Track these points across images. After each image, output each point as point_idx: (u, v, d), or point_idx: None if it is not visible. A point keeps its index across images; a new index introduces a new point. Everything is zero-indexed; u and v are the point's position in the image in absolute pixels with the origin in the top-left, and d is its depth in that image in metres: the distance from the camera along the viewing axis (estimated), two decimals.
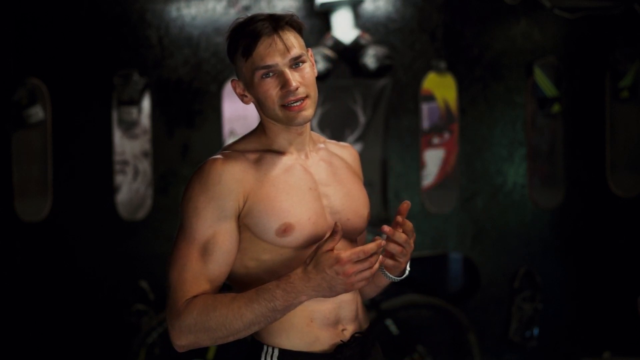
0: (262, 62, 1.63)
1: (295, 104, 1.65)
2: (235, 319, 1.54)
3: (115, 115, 4.23)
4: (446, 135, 4.36)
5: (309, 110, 1.67)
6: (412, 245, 1.66)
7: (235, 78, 1.73)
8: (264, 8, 4.21)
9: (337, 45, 4.17)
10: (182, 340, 1.58)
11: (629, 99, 4.37)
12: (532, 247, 4.42)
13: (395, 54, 4.30)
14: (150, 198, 4.24)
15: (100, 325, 4.21)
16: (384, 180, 4.29)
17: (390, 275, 1.75)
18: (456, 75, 4.34)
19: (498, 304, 4.40)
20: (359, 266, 1.48)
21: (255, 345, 1.70)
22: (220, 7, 4.25)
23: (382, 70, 4.23)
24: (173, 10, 4.25)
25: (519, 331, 4.35)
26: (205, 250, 1.61)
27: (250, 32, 1.63)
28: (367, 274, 1.50)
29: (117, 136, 4.25)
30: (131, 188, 4.25)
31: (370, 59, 4.17)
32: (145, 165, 4.25)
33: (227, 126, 4.25)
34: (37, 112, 4.14)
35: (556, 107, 4.36)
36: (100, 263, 4.23)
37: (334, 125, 4.21)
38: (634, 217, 4.42)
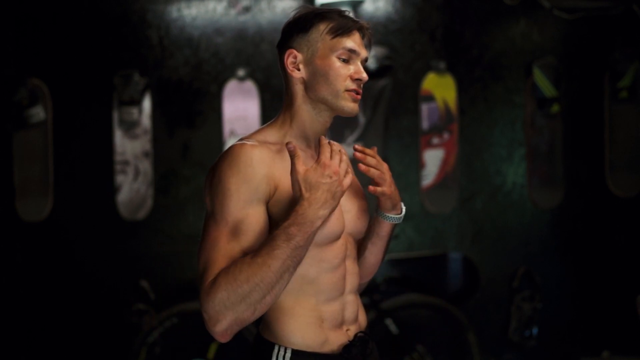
0: (351, 45, 1.74)
1: (357, 93, 1.75)
2: (265, 272, 1.49)
3: (116, 116, 4.25)
4: (446, 136, 4.37)
5: (358, 105, 1.78)
6: (389, 176, 1.81)
7: (292, 48, 1.76)
8: (264, 8, 4.23)
9: None
10: (222, 323, 1.51)
11: (627, 99, 4.38)
12: (531, 247, 4.44)
13: (395, 55, 4.32)
14: (151, 198, 4.26)
15: (101, 325, 4.23)
16: None
17: (388, 215, 1.84)
18: (456, 76, 4.36)
19: (497, 304, 4.41)
20: (336, 159, 1.58)
21: (265, 344, 1.69)
22: (220, 8, 4.27)
23: (382, 70, 4.25)
24: (174, 11, 4.26)
25: (518, 331, 4.36)
26: (239, 232, 1.58)
27: (348, 20, 1.76)
28: (344, 165, 1.59)
29: (118, 136, 4.26)
30: (132, 188, 4.26)
31: (370, 59, 4.18)
32: (145, 165, 4.27)
33: (227, 126, 4.26)
34: (38, 113, 4.16)
35: (555, 108, 4.37)
36: (101, 263, 4.24)
37: (333, 126, 4.20)
38: (633, 217, 4.43)
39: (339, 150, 1.60)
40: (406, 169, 4.37)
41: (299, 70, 1.74)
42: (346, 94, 1.73)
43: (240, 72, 4.23)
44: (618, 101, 4.40)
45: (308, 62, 1.74)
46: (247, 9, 4.24)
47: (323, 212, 1.54)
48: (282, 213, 1.62)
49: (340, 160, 1.59)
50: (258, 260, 1.50)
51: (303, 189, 1.55)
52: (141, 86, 4.20)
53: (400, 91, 4.36)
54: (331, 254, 1.70)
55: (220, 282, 1.50)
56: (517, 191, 4.43)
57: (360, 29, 1.78)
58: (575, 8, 4.30)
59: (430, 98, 4.36)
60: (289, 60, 1.75)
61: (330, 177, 1.55)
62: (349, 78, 1.74)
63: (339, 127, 4.27)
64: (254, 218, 1.59)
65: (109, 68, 4.22)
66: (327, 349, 1.69)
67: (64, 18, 4.22)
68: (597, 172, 4.44)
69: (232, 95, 4.26)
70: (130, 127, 4.25)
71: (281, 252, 1.51)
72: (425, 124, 4.37)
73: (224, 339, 1.53)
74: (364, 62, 1.80)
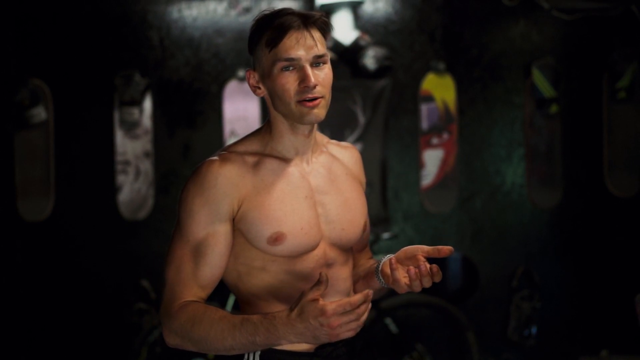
0: (286, 54, 1.61)
1: (309, 101, 1.62)
2: (217, 339, 1.55)
3: (116, 116, 4.26)
4: (445, 136, 4.39)
5: (321, 110, 1.65)
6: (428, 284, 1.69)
7: (251, 69, 1.71)
8: (264, 9, 4.24)
9: (337, 47, 4.19)
10: (171, 340, 1.62)
11: (626, 99, 4.39)
12: (530, 246, 4.45)
13: (394, 55, 4.33)
14: (152, 198, 4.27)
15: (102, 324, 4.24)
16: (384, 180, 4.32)
17: (385, 282, 1.74)
18: (455, 76, 4.37)
19: (497, 303, 4.42)
20: (345, 318, 1.44)
21: None
22: (221, 9, 4.28)
23: (382, 71, 4.26)
24: (174, 12, 4.28)
25: (517, 330, 4.37)
26: (198, 252, 1.62)
27: (279, 24, 1.63)
28: (353, 325, 1.45)
29: (119, 136, 4.28)
30: (132, 188, 4.28)
31: (369, 60, 4.19)
32: (146, 166, 4.28)
33: (227, 127, 4.28)
34: (40, 113, 4.17)
35: (554, 108, 4.39)
36: (102, 262, 4.25)
37: (333, 126, 4.23)
38: (631, 217, 4.45)
39: (359, 315, 1.45)
40: (406, 169, 4.38)
41: (260, 89, 1.69)
42: (299, 106, 1.62)
43: (241, 73, 4.25)
44: (617, 101, 4.41)
45: (263, 80, 1.68)
46: (247, 10, 4.26)
47: (293, 339, 1.49)
48: (246, 229, 1.64)
49: (349, 322, 1.44)
50: (218, 327, 1.55)
51: (296, 308, 1.48)
52: (142, 86, 4.21)
53: (400, 91, 4.38)
54: (302, 265, 1.66)
55: (181, 317, 1.59)
56: (517, 191, 4.44)
57: (301, 25, 1.62)
58: (574, 9, 4.31)
59: (429, 98, 4.38)
60: (250, 81, 1.71)
61: (321, 325, 1.44)
62: (297, 87, 1.61)
63: (339, 127, 4.28)
64: (214, 239, 1.62)
65: (109, 68, 4.23)
66: (300, 347, 1.65)
67: (65, 18, 4.24)
68: (596, 172, 4.45)
69: (232, 96, 4.28)
70: (131, 127, 4.27)
71: (239, 337, 1.53)
72: (424, 124, 4.38)
73: (169, 346, 1.65)
74: (318, 58, 1.64)
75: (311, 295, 1.47)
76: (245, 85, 4.27)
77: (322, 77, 1.65)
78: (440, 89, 4.37)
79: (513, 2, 4.30)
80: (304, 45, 1.62)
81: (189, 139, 4.30)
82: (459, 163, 4.40)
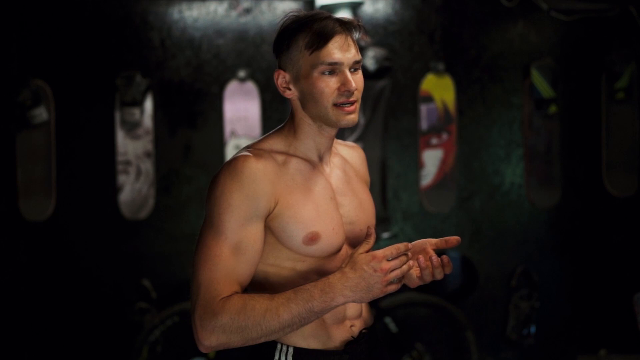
0: (329, 58, 1.63)
1: (347, 105, 1.65)
2: (272, 318, 1.52)
3: (118, 116, 4.28)
4: (444, 136, 4.41)
5: (356, 114, 1.68)
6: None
7: (281, 69, 1.70)
8: (264, 10, 4.26)
9: None
10: (212, 340, 1.56)
11: (624, 100, 4.41)
12: (529, 246, 4.47)
13: (394, 56, 4.35)
14: (153, 198, 4.29)
15: (103, 324, 4.26)
16: (383, 180, 4.34)
17: None
18: (454, 77, 4.39)
19: (495, 303, 4.44)
20: (392, 263, 1.53)
21: (267, 342, 1.67)
22: (221, 10, 4.30)
23: (381, 71, 4.28)
24: (175, 13, 4.30)
25: (516, 329, 4.39)
26: (238, 249, 1.59)
27: (322, 28, 1.64)
28: (398, 272, 1.54)
29: (120, 137, 4.30)
30: (134, 188, 4.30)
31: (369, 60, 4.22)
32: (147, 166, 4.30)
33: (228, 127, 4.30)
34: (41, 113, 4.19)
35: (553, 108, 4.41)
36: (103, 262, 4.27)
37: None
38: (629, 217, 4.47)
39: (403, 262, 1.55)
40: (405, 169, 4.40)
41: (290, 90, 1.70)
42: (336, 109, 1.65)
43: (241, 73, 4.27)
44: (615, 102, 4.43)
45: (295, 81, 1.68)
46: (247, 11, 4.28)
47: (349, 294, 1.54)
48: (280, 228, 1.63)
49: (396, 267, 1.54)
50: (272, 305, 1.54)
51: (348, 263, 1.55)
52: (143, 87, 4.23)
53: (400, 92, 4.40)
54: (330, 265, 1.68)
55: (230, 308, 1.54)
56: (515, 191, 4.47)
57: (343, 30, 1.65)
58: (572, 10, 4.33)
59: (429, 99, 4.40)
60: (279, 82, 1.71)
61: (374, 270, 1.52)
62: (336, 91, 1.64)
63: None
64: (253, 236, 1.60)
65: (111, 69, 4.25)
66: (330, 345, 1.69)
67: (67, 20, 4.26)
68: (594, 172, 4.47)
69: (233, 96, 4.30)
70: (132, 127, 4.29)
71: (295, 308, 1.53)
72: (424, 125, 4.41)
73: (205, 351, 1.59)
74: (356, 64, 1.67)
75: (361, 249, 1.55)
76: (246, 86, 4.29)
77: (358, 82, 1.68)
78: (439, 89, 4.39)
79: (512, 3, 4.33)
80: (346, 51, 1.65)
81: (190, 139, 4.32)
82: (458, 163, 4.42)
